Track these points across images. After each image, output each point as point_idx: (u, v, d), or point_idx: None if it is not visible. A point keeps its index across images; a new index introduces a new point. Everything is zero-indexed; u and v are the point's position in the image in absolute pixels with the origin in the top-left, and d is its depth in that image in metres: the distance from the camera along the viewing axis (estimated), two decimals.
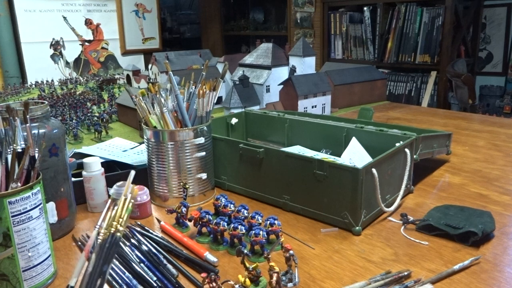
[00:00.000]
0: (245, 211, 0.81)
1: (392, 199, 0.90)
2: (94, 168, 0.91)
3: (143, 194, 0.90)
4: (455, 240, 0.77)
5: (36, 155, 0.66)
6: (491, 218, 0.81)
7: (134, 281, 0.66)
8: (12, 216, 0.60)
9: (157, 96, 0.93)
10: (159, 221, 0.87)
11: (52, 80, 2.90)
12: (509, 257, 0.72)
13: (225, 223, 0.76)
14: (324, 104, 1.72)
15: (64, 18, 3.49)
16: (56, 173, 0.79)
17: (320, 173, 0.83)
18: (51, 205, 0.79)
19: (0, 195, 0.60)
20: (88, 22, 3.63)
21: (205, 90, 0.94)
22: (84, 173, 0.91)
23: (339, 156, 0.98)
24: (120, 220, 0.48)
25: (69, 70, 3.57)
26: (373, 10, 3.26)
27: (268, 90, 1.76)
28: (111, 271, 0.69)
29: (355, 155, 0.97)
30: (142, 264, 0.70)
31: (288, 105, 1.66)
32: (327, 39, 3.61)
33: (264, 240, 0.72)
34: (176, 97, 0.96)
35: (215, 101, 0.98)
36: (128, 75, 2.66)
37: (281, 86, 1.70)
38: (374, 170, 0.80)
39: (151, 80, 2.35)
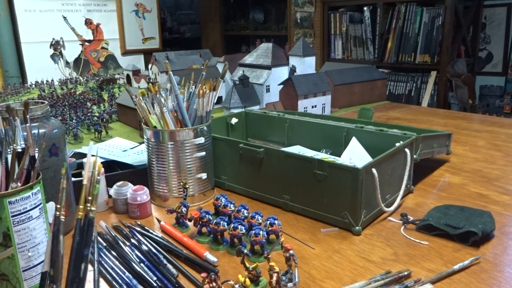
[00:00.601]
0: (245, 211, 0.81)
1: (392, 199, 0.90)
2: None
3: (143, 194, 0.90)
4: (455, 240, 0.77)
5: (36, 155, 0.66)
6: (491, 218, 0.81)
7: (134, 281, 0.66)
8: (12, 216, 0.60)
9: (157, 96, 0.93)
10: (159, 221, 0.87)
11: (52, 80, 2.90)
12: (509, 257, 0.72)
13: (225, 223, 0.76)
14: (324, 104, 1.72)
15: (64, 18, 3.49)
16: (56, 173, 0.79)
17: (320, 173, 0.83)
18: (51, 205, 0.79)
19: (0, 195, 0.60)
20: (88, 22, 3.63)
21: (205, 90, 0.94)
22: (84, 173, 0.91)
23: (339, 156, 0.98)
24: (89, 198, 0.48)
25: (69, 70, 3.57)
26: (373, 10, 3.26)
27: (268, 90, 1.76)
28: (111, 271, 0.69)
29: (355, 155, 0.97)
30: (142, 264, 0.70)
31: (288, 105, 1.66)
32: (327, 39, 3.61)
33: (264, 240, 0.72)
34: (176, 97, 0.96)
35: (215, 101, 0.98)
36: (128, 75, 2.66)
37: (281, 86, 1.70)
38: (374, 170, 0.80)
39: (151, 80, 2.35)
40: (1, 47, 3.16)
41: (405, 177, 0.91)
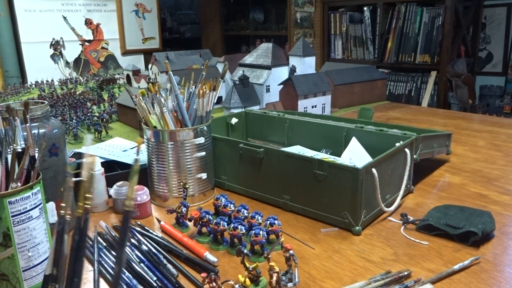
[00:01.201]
0: (245, 211, 0.81)
1: (392, 199, 0.90)
2: (94, 168, 0.91)
3: (143, 194, 0.90)
4: (455, 240, 0.77)
5: (36, 155, 0.66)
6: (491, 218, 0.81)
7: (134, 281, 0.66)
8: (12, 216, 0.60)
9: (157, 96, 0.93)
10: (159, 221, 0.87)
11: (52, 80, 2.89)
12: (509, 257, 0.72)
13: (225, 223, 0.76)
14: (324, 104, 1.72)
15: (64, 18, 3.49)
16: (56, 173, 0.79)
17: (320, 173, 0.83)
18: (51, 205, 0.79)
19: (0, 195, 0.60)
20: (88, 22, 3.63)
21: (205, 90, 0.94)
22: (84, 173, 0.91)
23: (339, 156, 0.98)
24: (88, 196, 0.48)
25: (69, 70, 3.57)
26: (373, 10, 3.26)
27: (268, 90, 1.76)
28: (111, 271, 0.69)
29: (355, 155, 0.97)
30: (142, 264, 0.70)
31: (288, 105, 1.66)
32: (327, 39, 3.61)
33: (264, 240, 0.72)
34: (176, 97, 0.96)
35: (215, 101, 0.98)
36: (128, 75, 2.66)
37: (281, 86, 1.70)
38: (374, 170, 0.80)
39: (151, 80, 2.35)
40: (1, 47, 3.16)
41: (405, 177, 0.91)
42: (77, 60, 3.62)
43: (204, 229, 0.80)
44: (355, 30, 3.41)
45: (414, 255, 0.73)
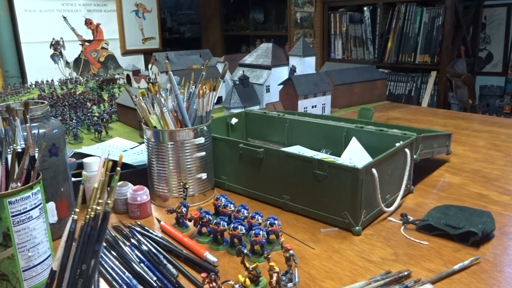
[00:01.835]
0: (245, 211, 0.81)
1: (392, 199, 0.90)
2: (94, 168, 0.91)
3: (143, 194, 0.90)
4: (455, 240, 0.77)
5: (36, 155, 0.66)
6: (491, 218, 0.81)
7: (134, 281, 0.66)
8: (12, 216, 0.60)
9: (157, 96, 0.93)
10: (159, 221, 0.87)
11: (52, 80, 2.89)
12: (509, 257, 0.72)
13: (225, 223, 0.76)
14: (324, 104, 1.72)
15: (64, 18, 3.49)
16: (56, 173, 0.79)
17: (320, 173, 0.83)
18: (51, 205, 0.79)
19: (0, 195, 0.60)
20: (88, 22, 3.63)
21: (205, 90, 0.94)
22: (84, 173, 0.91)
23: (339, 156, 0.98)
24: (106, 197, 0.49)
25: (69, 70, 3.57)
26: (373, 10, 3.26)
27: (268, 90, 1.76)
28: (111, 271, 0.69)
29: (355, 155, 0.97)
30: (142, 264, 0.70)
31: (288, 105, 1.66)
32: (327, 39, 3.61)
33: (264, 240, 0.72)
34: (176, 97, 0.96)
35: (215, 101, 0.98)
36: (128, 75, 2.66)
37: (281, 86, 1.70)
38: (374, 170, 0.80)
39: (151, 80, 2.35)
40: (1, 47, 3.16)
41: (405, 177, 0.91)
42: (77, 60, 3.62)
43: (204, 229, 0.80)
44: (355, 30, 3.41)
45: (414, 255, 0.73)
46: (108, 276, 0.68)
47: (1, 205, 0.59)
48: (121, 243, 0.76)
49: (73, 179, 0.89)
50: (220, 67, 2.07)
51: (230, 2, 4.91)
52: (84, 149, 1.20)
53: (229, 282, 0.61)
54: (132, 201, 0.89)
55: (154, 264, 0.70)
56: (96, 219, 0.49)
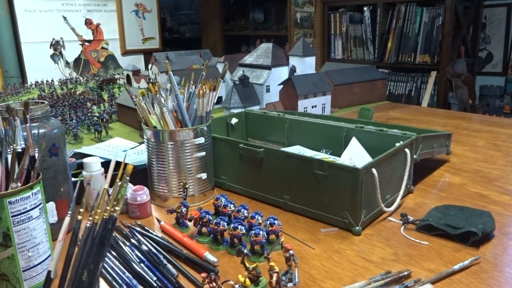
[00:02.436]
0: (245, 211, 0.81)
1: (392, 199, 0.90)
2: (94, 168, 0.91)
3: (143, 194, 0.90)
4: (455, 240, 0.77)
5: (36, 155, 0.66)
6: (491, 218, 0.81)
7: (134, 281, 0.66)
8: (12, 216, 0.60)
9: (157, 96, 0.93)
10: (159, 221, 0.87)
11: (52, 80, 2.89)
12: (509, 257, 0.72)
13: (225, 223, 0.76)
14: (324, 104, 1.72)
15: (64, 18, 3.49)
16: (56, 173, 0.79)
17: (320, 173, 0.83)
18: (51, 205, 0.79)
19: (0, 195, 0.60)
20: (88, 22, 3.63)
21: (205, 90, 0.94)
22: (84, 173, 0.91)
23: (339, 156, 0.98)
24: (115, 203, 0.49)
25: (69, 70, 3.57)
26: (373, 10, 3.26)
27: (268, 90, 1.76)
28: (111, 271, 0.69)
29: (355, 155, 0.97)
30: (142, 264, 0.70)
31: (288, 105, 1.66)
32: (327, 39, 3.61)
33: (264, 240, 0.72)
34: (176, 97, 0.96)
35: (215, 101, 0.98)
36: (128, 75, 2.66)
37: (281, 86, 1.70)
38: (374, 170, 0.80)
39: (151, 80, 2.35)
40: (1, 47, 3.16)
41: (405, 177, 0.91)
42: (77, 60, 3.62)
43: (204, 229, 0.80)
44: (355, 30, 3.41)
45: (414, 255, 0.73)
46: (108, 276, 0.68)
47: (1, 205, 0.59)
48: (121, 243, 0.76)
49: (73, 179, 0.89)
50: (220, 67, 2.07)
51: (230, 2, 4.91)
52: (84, 149, 1.20)
53: (229, 282, 0.61)
54: (132, 201, 0.89)
55: (154, 264, 0.70)
56: (106, 224, 0.50)
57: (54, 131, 0.78)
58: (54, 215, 0.79)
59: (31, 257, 0.63)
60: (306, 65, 1.81)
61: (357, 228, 0.80)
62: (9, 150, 0.66)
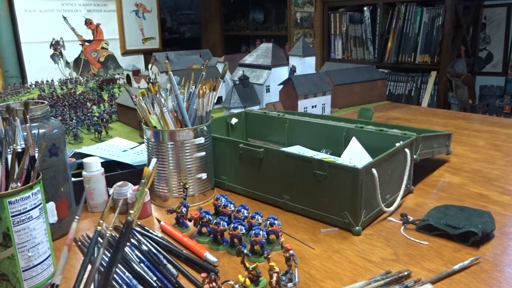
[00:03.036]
0: (245, 211, 0.81)
1: (392, 199, 0.90)
2: (94, 168, 0.91)
3: None
4: (455, 240, 0.77)
5: (36, 155, 0.66)
6: (491, 218, 0.81)
7: (134, 281, 0.66)
8: (12, 216, 0.60)
9: (157, 96, 0.93)
10: (159, 221, 0.87)
11: (52, 80, 2.89)
12: (509, 257, 0.72)
13: (225, 223, 0.76)
14: (324, 104, 1.72)
15: (64, 18, 3.49)
16: (56, 173, 0.79)
17: (320, 173, 0.83)
18: (51, 205, 0.79)
19: (0, 195, 0.60)
20: (88, 22, 3.63)
21: (205, 90, 0.94)
22: (84, 173, 0.91)
23: (339, 156, 0.98)
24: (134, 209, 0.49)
25: (69, 70, 3.57)
26: (373, 10, 3.26)
27: (268, 90, 1.76)
28: None
29: (355, 155, 0.97)
30: (142, 264, 0.70)
31: (288, 105, 1.66)
32: (327, 39, 3.61)
33: (264, 240, 0.72)
34: (176, 97, 0.96)
35: (215, 101, 0.98)
36: (128, 75, 2.66)
37: (281, 86, 1.70)
38: (374, 170, 0.80)
39: (151, 80, 2.35)
40: (1, 47, 3.16)
41: (405, 177, 0.91)
42: (77, 60, 3.62)
43: (204, 229, 0.80)
44: (355, 30, 3.41)
45: (414, 255, 0.73)
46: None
47: (1, 205, 0.59)
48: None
49: (73, 179, 0.89)
50: (220, 67, 2.07)
51: (230, 2, 4.91)
52: (84, 149, 1.20)
53: (229, 282, 0.61)
54: (132, 201, 0.89)
55: (154, 264, 0.70)
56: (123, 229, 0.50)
57: (54, 131, 0.78)
58: (54, 215, 0.79)
59: (31, 257, 0.63)
60: (306, 65, 1.81)
61: (357, 228, 0.80)
62: (9, 150, 0.66)
